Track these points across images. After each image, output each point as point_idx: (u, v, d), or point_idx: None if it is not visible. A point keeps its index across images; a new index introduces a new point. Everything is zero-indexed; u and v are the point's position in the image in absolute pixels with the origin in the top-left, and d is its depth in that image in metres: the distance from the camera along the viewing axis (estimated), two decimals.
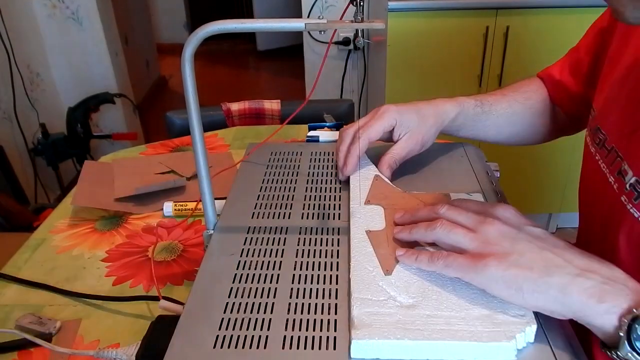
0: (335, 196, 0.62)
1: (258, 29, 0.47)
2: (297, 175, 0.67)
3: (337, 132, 0.83)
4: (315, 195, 0.62)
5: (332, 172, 0.68)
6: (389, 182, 0.63)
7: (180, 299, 0.60)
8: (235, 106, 1.34)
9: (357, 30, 2.08)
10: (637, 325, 0.37)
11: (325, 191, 0.63)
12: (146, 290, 0.65)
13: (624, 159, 0.56)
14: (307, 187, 0.64)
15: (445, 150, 0.73)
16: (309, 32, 2.13)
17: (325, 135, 0.80)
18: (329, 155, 0.72)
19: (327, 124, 0.94)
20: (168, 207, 0.79)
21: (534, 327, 0.40)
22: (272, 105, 1.34)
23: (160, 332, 0.50)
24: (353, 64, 2.21)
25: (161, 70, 3.95)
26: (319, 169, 0.69)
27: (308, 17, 2.11)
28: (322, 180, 0.66)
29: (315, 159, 0.72)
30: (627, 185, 0.55)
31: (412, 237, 0.50)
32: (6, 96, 1.98)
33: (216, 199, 0.55)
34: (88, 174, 0.90)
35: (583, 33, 0.74)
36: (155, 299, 0.60)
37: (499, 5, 1.60)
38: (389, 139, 0.67)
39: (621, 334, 0.38)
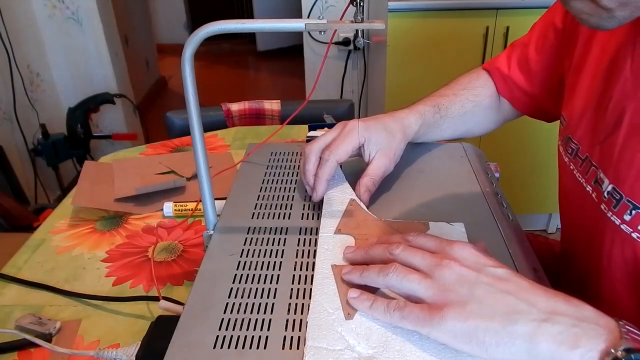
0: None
1: (258, 29, 0.47)
2: (297, 176, 0.67)
3: None
4: None
5: None
6: (364, 208, 0.58)
7: (180, 299, 0.60)
8: (235, 106, 1.34)
9: (357, 31, 2.08)
10: None
11: None
12: (146, 290, 0.65)
13: (598, 167, 0.56)
14: (307, 188, 0.64)
15: (445, 150, 0.73)
16: (309, 33, 2.13)
17: None
18: None
19: (327, 124, 0.94)
20: (168, 207, 0.79)
21: None
22: (272, 105, 1.34)
23: (160, 332, 0.50)
24: (353, 64, 2.21)
25: (161, 70, 3.95)
26: None
27: (308, 17, 2.11)
28: None
29: None
30: (605, 194, 0.55)
31: (363, 282, 0.45)
32: (6, 96, 1.98)
33: (216, 199, 0.55)
34: (88, 174, 0.90)
35: None
36: (155, 299, 0.60)
37: (499, 5, 1.59)
38: (358, 155, 0.65)
39: None
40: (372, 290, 0.45)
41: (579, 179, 0.60)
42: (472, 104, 0.76)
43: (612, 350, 0.35)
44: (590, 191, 0.58)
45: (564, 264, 0.75)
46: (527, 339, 0.37)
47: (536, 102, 0.75)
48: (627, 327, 0.37)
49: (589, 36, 0.62)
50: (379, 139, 0.63)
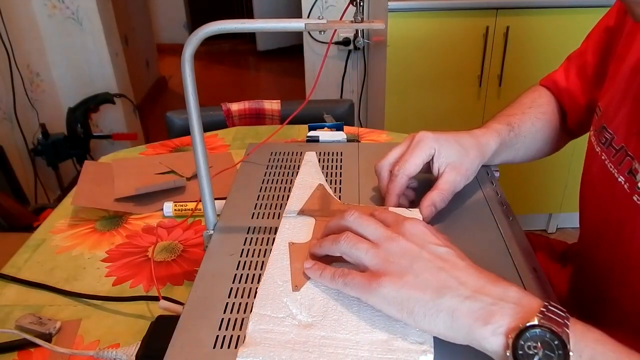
0: (335, 197, 0.62)
1: (258, 29, 0.47)
2: (297, 176, 0.67)
3: (338, 132, 0.83)
4: None
5: (331, 172, 0.68)
6: (330, 191, 0.60)
7: (180, 299, 0.60)
8: (235, 106, 1.34)
9: (357, 31, 2.08)
10: (522, 342, 0.35)
11: None
12: (146, 290, 0.65)
13: (634, 158, 0.55)
14: None
15: None
16: (309, 33, 2.13)
17: (325, 135, 0.80)
18: (328, 155, 0.72)
19: (327, 124, 0.94)
20: (168, 207, 0.79)
21: (431, 356, 0.39)
22: (272, 105, 1.34)
23: (160, 332, 0.50)
24: (353, 64, 2.21)
25: (161, 70, 3.95)
26: None
27: (308, 17, 2.11)
28: None
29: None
30: (639, 184, 0.54)
31: (322, 251, 0.48)
32: (6, 96, 1.98)
33: (216, 199, 0.55)
34: (88, 174, 0.90)
35: (583, 33, 0.74)
36: (155, 299, 0.60)
37: (499, 5, 1.60)
38: (427, 170, 0.61)
39: (508, 353, 0.35)
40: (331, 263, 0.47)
41: (611, 169, 0.58)
42: (541, 122, 0.73)
43: (520, 326, 0.36)
44: (623, 182, 0.56)
45: (577, 262, 0.74)
46: (450, 312, 0.39)
47: (591, 108, 0.71)
48: (551, 307, 0.37)
49: (632, 28, 0.60)
50: (449, 152, 0.60)
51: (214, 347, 0.41)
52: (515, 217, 0.59)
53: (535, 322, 0.36)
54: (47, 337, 0.57)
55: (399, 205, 0.59)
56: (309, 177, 0.63)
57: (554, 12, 1.61)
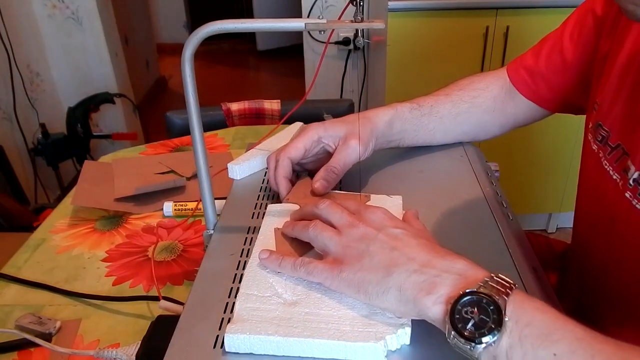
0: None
1: (258, 29, 0.47)
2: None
3: None
4: None
5: None
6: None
7: (180, 299, 0.60)
8: (235, 106, 1.34)
9: (357, 30, 2.08)
10: (459, 307, 0.37)
11: None
12: (146, 290, 0.65)
13: (629, 155, 0.55)
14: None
15: (445, 150, 0.73)
16: (308, 32, 2.13)
17: None
18: None
19: None
20: (168, 207, 0.79)
21: (408, 329, 0.40)
22: (272, 105, 1.34)
23: (160, 332, 0.50)
24: (353, 64, 2.21)
25: (161, 70, 3.95)
26: None
27: (308, 17, 2.11)
28: None
29: None
30: (631, 181, 0.54)
31: (293, 234, 0.51)
32: (6, 96, 1.98)
33: (216, 199, 0.55)
34: (88, 173, 0.90)
35: None
36: (155, 299, 0.60)
37: (499, 5, 1.60)
38: (326, 156, 0.64)
39: (446, 318, 0.37)
40: (305, 250, 0.50)
41: (606, 166, 0.59)
42: (467, 105, 0.73)
43: (460, 293, 0.38)
44: (618, 179, 0.56)
45: (573, 262, 0.74)
46: (398, 287, 0.41)
47: (565, 94, 0.72)
48: (497, 278, 0.38)
49: (626, 23, 0.60)
50: (337, 130, 0.63)
51: (214, 347, 0.41)
52: (516, 217, 0.59)
53: (474, 289, 0.37)
54: (47, 337, 0.57)
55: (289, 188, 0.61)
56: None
57: (554, 12, 1.61)
